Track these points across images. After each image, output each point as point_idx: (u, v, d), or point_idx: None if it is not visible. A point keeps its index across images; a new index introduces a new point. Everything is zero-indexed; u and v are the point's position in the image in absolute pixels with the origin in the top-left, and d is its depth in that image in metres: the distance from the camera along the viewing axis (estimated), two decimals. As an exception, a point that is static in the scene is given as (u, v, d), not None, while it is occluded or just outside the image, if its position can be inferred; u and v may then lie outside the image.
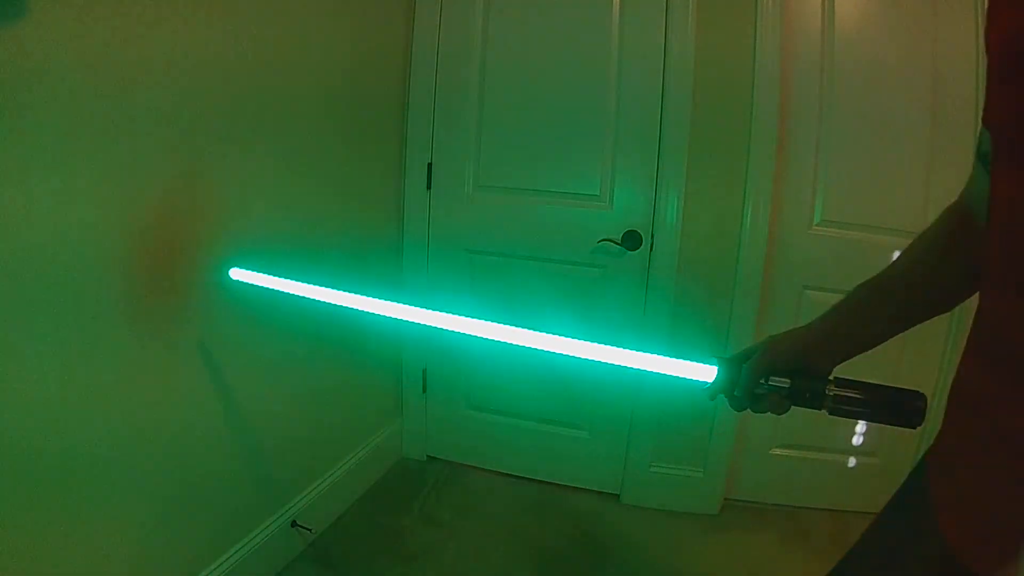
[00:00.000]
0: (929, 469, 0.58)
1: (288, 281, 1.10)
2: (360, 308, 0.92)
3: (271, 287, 1.13)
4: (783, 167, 1.82)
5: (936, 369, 1.87)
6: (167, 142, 1.14)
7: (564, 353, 0.74)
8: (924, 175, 1.80)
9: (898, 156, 1.81)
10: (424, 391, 2.20)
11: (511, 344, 0.75)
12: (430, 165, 2.04)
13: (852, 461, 1.96)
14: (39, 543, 1.00)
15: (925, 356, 1.85)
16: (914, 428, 0.62)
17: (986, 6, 0.52)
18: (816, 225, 1.87)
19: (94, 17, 0.96)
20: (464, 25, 1.95)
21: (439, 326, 0.80)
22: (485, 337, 0.76)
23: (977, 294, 0.65)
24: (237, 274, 1.21)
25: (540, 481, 2.13)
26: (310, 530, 1.67)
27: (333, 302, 0.98)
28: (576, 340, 0.74)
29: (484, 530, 1.87)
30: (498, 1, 1.92)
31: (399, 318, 0.86)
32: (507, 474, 2.15)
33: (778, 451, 2.01)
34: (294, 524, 1.63)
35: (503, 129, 1.97)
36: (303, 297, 1.04)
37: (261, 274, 1.17)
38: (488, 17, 1.94)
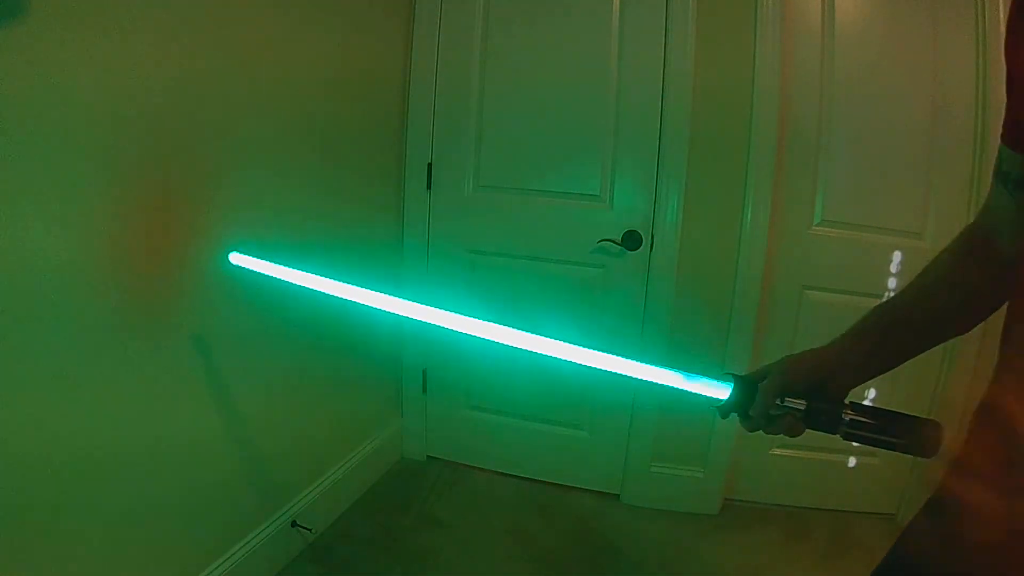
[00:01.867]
0: (955, 486, 0.57)
1: (288, 269, 1.05)
2: (361, 301, 0.90)
3: (270, 274, 1.09)
4: (783, 167, 1.82)
5: (933, 382, 1.87)
6: (167, 139, 1.15)
7: (572, 360, 0.73)
8: (924, 175, 1.80)
9: (898, 156, 1.81)
10: (424, 391, 2.20)
11: (513, 345, 0.74)
12: (430, 165, 2.04)
13: (852, 461, 1.97)
14: (39, 549, 1.00)
15: (922, 368, 1.84)
16: (927, 459, 0.60)
17: (1007, 18, 0.51)
18: (816, 225, 1.87)
19: (101, 24, 0.96)
20: (464, 26, 1.95)
21: (440, 324, 0.79)
22: (488, 339, 0.75)
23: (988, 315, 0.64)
24: (237, 259, 1.16)
25: (540, 481, 2.13)
26: (310, 530, 1.67)
27: (334, 293, 0.95)
28: (586, 349, 0.72)
29: (484, 530, 1.87)
30: (498, 2, 1.92)
31: (399, 314, 0.85)
32: (507, 474, 2.15)
33: (778, 451, 2.02)
34: (294, 524, 1.63)
35: (503, 129, 1.97)
36: (303, 294, 1.01)
37: (261, 260, 1.12)
38: (488, 18, 1.94)
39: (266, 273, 1.10)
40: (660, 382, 0.70)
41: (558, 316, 1.97)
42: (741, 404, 0.66)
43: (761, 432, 0.67)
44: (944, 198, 1.78)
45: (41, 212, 0.93)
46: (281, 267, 1.07)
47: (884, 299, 0.68)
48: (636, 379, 0.70)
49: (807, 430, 0.64)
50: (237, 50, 1.28)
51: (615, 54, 1.85)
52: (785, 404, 0.63)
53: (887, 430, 0.61)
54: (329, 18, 1.58)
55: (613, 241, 1.90)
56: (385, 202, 2.01)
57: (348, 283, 0.92)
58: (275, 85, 1.41)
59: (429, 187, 2.05)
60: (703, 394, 0.68)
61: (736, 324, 1.88)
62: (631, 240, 1.88)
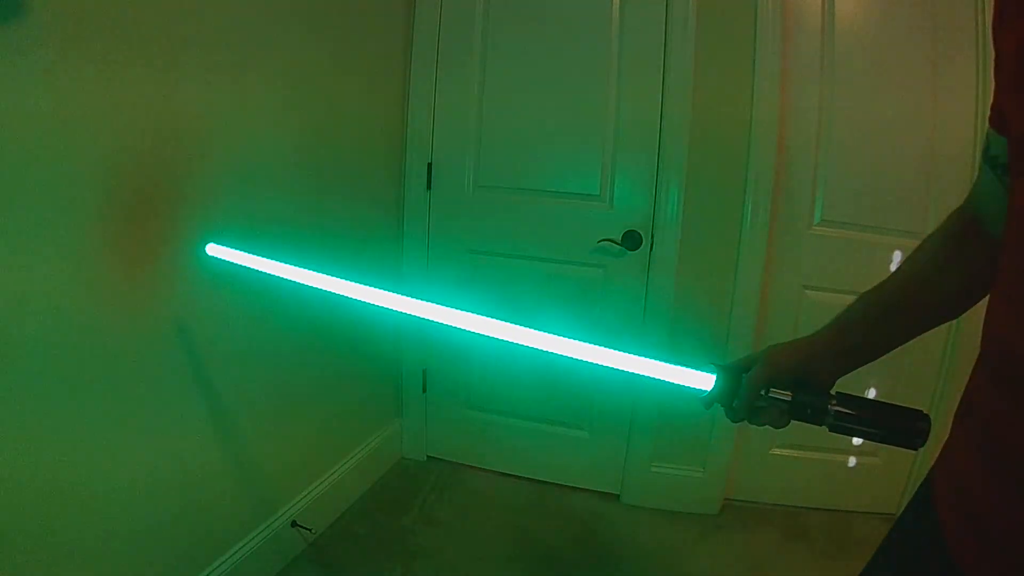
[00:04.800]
0: (936, 486, 0.56)
1: (273, 262, 1.03)
2: (356, 297, 0.89)
3: (253, 267, 1.06)
4: (783, 167, 1.82)
5: (935, 376, 1.86)
6: (164, 138, 1.15)
7: (556, 352, 0.72)
8: (924, 175, 1.80)
9: (898, 156, 1.81)
10: (424, 391, 2.20)
11: (510, 343, 0.74)
12: (430, 165, 2.04)
13: (852, 461, 1.96)
14: (38, 556, 1.00)
15: (924, 363, 1.85)
16: (915, 450, 0.60)
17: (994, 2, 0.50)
18: (816, 225, 1.87)
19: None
20: (464, 26, 1.95)
21: (438, 320, 0.79)
22: (484, 334, 0.75)
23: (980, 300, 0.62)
24: (214, 250, 1.14)
25: (540, 481, 2.12)
26: (310, 530, 1.67)
27: (324, 288, 0.93)
28: (570, 340, 0.72)
29: (484, 530, 1.87)
30: (498, 2, 1.92)
31: (397, 309, 0.84)
32: (507, 474, 2.15)
33: (778, 451, 2.01)
34: (294, 524, 1.63)
35: (503, 129, 1.97)
36: (302, 294, 1.00)
37: (242, 252, 1.10)
38: (488, 18, 1.94)
39: (246, 265, 1.08)
40: (641, 373, 0.69)
41: (558, 316, 1.97)
42: (725, 395, 0.65)
43: (760, 431, 0.66)
44: (944, 198, 1.77)
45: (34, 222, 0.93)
46: (264, 260, 1.05)
47: (867, 276, 0.67)
48: (635, 378, 0.70)
49: (798, 424, 0.63)
50: (237, 50, 1.28)
51: (615, 54, 1.85)
52: (770, 395, 0.62)
53: (874, 421, 0.60)
54: (329, 19, 1.58)
55: (613, 241, 1.90)
56: (385, 202, 2.01)
57: (344, 279, 0.91)
58: (274, 85, 1.41)
59: (429, 187, 2.05)
60: (686, 385, 0.67)
61: (736, 324, 1.88)
62: (631, 240, 1.88)
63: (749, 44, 1.75)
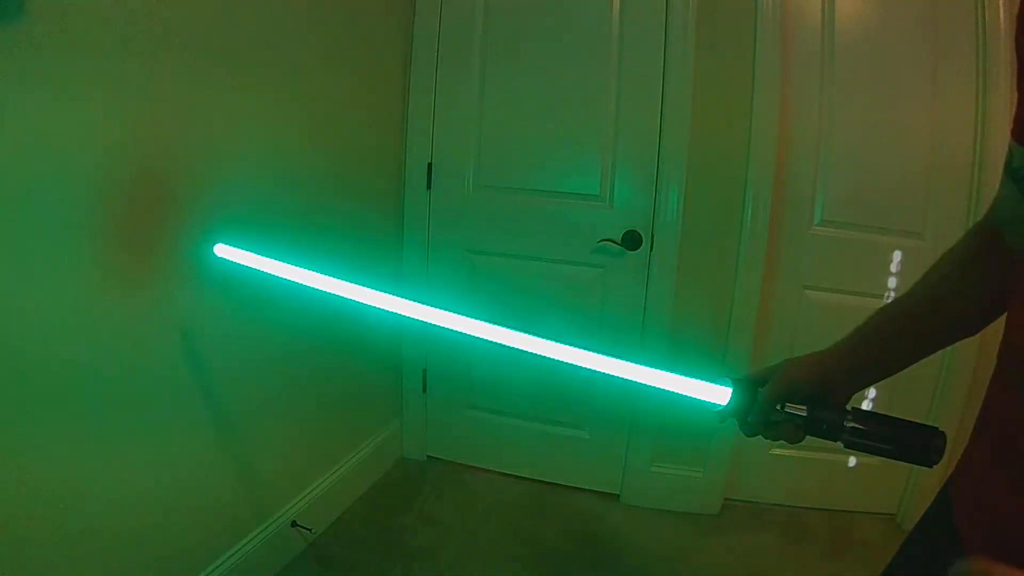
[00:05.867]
0: (954, 498, 0.55)
1: (279, 263, 1.04)
2: (357, 299, 0.89)
3: (260, 268, 1.07)
4: (783, 166, 1.82)
5: (933, 380, 1.86)
6: (163, 142, 1.14)
7: (568, 362, 0.72)
8: (924, 175, 1.79)
9: (899, 155, 1.81)
10: (424, 391, 2.20)
11: (512, 346, 0.74)
12: (430, 165, 2.04)
13: (852, 461, 1.96)
14: (47, 556, 1.01)
15: (923, 364, 1.83)
16: (930, 467, 0.59)
17: (1018, 9, 0.49)
18: (816, 225, 1.87)
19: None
20: (464, 25, 1.95)
21: (440, 324, 0.79)
22: (487, 339, 0.75)
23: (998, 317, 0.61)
24: (222, 251, 1.15)
25: (540, 481, 2.12)
26: (310, 530, 1.67)
27: (328, 290, 0.94)
28: (583, 351, 0.71)
29: (484, 530, 1.87)
30: (499, 1, 1.92)
31: (398, 312, 0.84)
32: (507, 474, 2.15)
33: (778, 451, 2.01)
34: (294, 524, 1.63)
35: (503, 129, 1.97)
36: (302, 294, 1.00)
37: (249, 253, 1.11)
38: (488, 17, 1.93)
39: (254, 267, 1.09)
40: (657, 386, 0.68)
41: (558, 316, 1.97)
42: (740, 409, 0.64)
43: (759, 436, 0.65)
44: (943, 198, 1.78)
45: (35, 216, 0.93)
46: (271, 260, 1.06)
47: (889, 300, 0.66)
48: (635, 380, 0.70)
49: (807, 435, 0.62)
50: (239, 53, 1.28)
51: (616, 53, 1.85)
52: (786, 410, 0.62)
53: (890, 438, 0.59)
54: (330, 20, 1.58)
55: (613, 241, 1.90)
56: (385, 202, 2.01)
57: (346, 280, 0.91)
58: (276, 86, 1.41)
59: (429, 187, 2.05)
60: (701, 398, 0.66)
61: (736, 324, 1.88)
62: (631, 240, 1.88)
63: (749, 45, 1.75)
